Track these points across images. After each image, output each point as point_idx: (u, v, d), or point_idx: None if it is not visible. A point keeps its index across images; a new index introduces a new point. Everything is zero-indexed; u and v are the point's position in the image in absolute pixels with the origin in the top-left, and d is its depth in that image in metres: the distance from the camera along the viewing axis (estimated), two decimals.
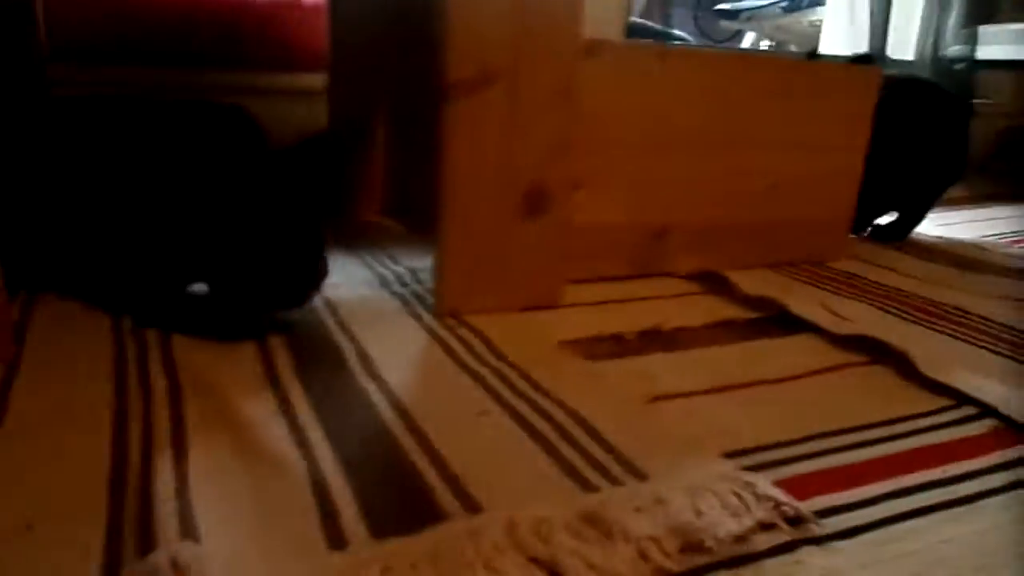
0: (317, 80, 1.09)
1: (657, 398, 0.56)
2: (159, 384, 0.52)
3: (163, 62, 1.02)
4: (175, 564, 0.31)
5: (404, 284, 0.77)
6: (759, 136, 0.87)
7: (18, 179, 0.66)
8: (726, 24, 2.74)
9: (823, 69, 0.89)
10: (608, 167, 0.79)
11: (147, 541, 0.35)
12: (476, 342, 0.63)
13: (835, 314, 0.75)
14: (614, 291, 0.80)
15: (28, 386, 0.51)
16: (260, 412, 0.49)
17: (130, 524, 0.36)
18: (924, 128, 1.07)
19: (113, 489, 0.40)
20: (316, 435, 0.46)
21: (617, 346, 0.66)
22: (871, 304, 0.81)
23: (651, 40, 1.45)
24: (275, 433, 0.46)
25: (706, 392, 0.57)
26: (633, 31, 1.52)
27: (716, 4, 2.80)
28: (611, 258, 0.83)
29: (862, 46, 1.93)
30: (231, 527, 0.36)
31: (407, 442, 0.46)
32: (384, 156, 1.09)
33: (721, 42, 2.87)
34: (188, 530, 0.35)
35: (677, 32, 1.56)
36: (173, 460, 0.42)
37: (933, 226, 1.26)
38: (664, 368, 0.62)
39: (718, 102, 0.83)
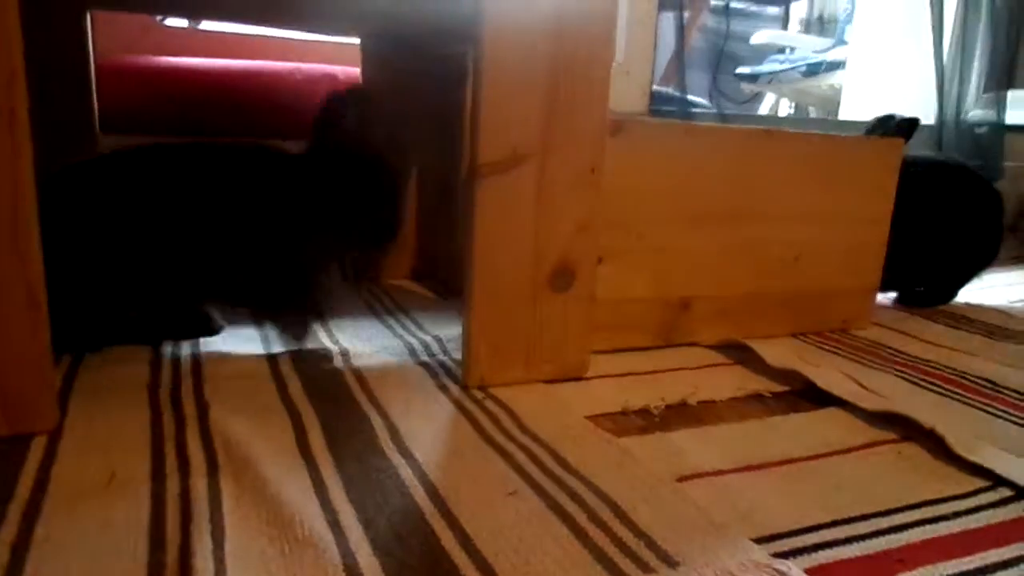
0: None
1: (686, 477, 0.56)
2: (196, 457, 0.53)
3: (206, 133, 1.07)
4: None
5: (431, 354, 0.78)
6: (783, 208, 0.88)
7: (80, 237, 0.70)
8: (746, 87, 2.79)
9: (845, 142, 0.91)
10: (633, 241, 0.81)
11: None
12: (503, 416, 0.64)
13: (862, 387, 0.75)
14: (640, 362, 0.80)
15: (70, 458, 0.52)
16: (294, 490, 0.49)
17: None
18: (955, 212, 1.08)
19: (151, 570, 0.40)
20: (348, 516, 0.47)
21: (644, 421, 0.66)
22: (898, 375, 0.81)
23: (672, 107, 1.48)
24: (309, 513, 0.47)
25: (735, 470, 0.57)
26: (657, 99, 1.56)
27: (735, 67, 2.86)
28: (636, 329, 0.84)
29: (883, 110, 1.95)
30: None
31: (437, 524, 0.47)
32: (415, 221, 1.12)
33: (741, 103, 2.92)
34: None
35: (696, 99, 1.60)
36: (211, 541, 0.43)
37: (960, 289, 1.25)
38: (692, 444, 0.62)
39: (742, 176, 0.85)
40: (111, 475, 0.51)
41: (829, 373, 0.78)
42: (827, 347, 0.90)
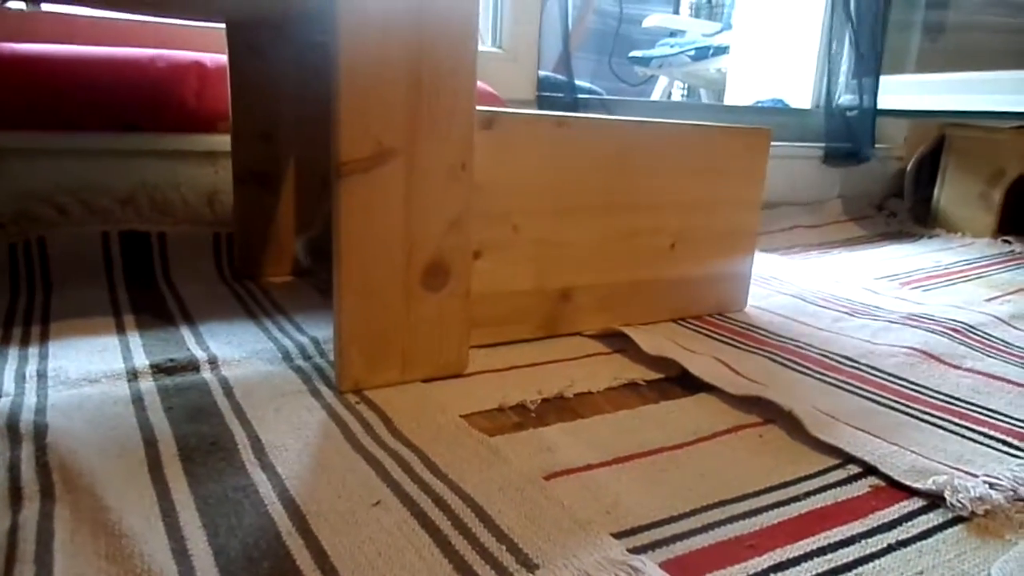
0: (223, 141, 1.07)
1: (555, 474, 0.56)
2: (31, 488, 0.49)
3: (72, 127, 0.99)
4: None
5: (307, 357, 0.76)
6: (658, 197, 0.90)
7: None
8: (640, 70, 2.84)
9: (716, 132, 0.93)
10: (510, 234, 0.81)
11: None
12: (376, 421, 0.62)
13: (732, 370, 0.78)
14: (521, 355, 0.81)
15: None
16: (139, 519, 0.47)
17: None
18: None
19: None
20: (198, 543, 0.45)
21: (520, 416, 0.66)
22: (769, 358, 0.84)
23: (561, 94, 1.48)
24: (153, 543, 0.44)
25: (603, 464, 0.58)
26: (544, 85, 1.56)
27: (630, 50, 2.91)
28: (518, 322, 0.84)
29: (765, 94, 2.03)
30: None
31: (294, 543, 0.45)
32: (296, 215, 1.08)
33: (635, 86, 2.98)
34: None
35: (585, 84, 1.61)
36: None
37: (830, 266, 1.32)
38: (565, 439, 0.62)
39: (616, 166, 0.86)
40: None
41: (701, 358, 0.80)
42: (704, 331, 0.93)
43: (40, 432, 0.57)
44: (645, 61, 2.79)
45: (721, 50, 2.54)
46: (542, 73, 1.55)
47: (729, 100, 2.18)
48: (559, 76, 1.61)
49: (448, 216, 0.69)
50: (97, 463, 0.53)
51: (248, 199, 1.04)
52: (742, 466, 0.59)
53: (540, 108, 1.48)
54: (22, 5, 1.08)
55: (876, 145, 1.87)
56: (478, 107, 0.70)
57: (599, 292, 0.89)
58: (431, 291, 0.70)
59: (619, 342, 0.87)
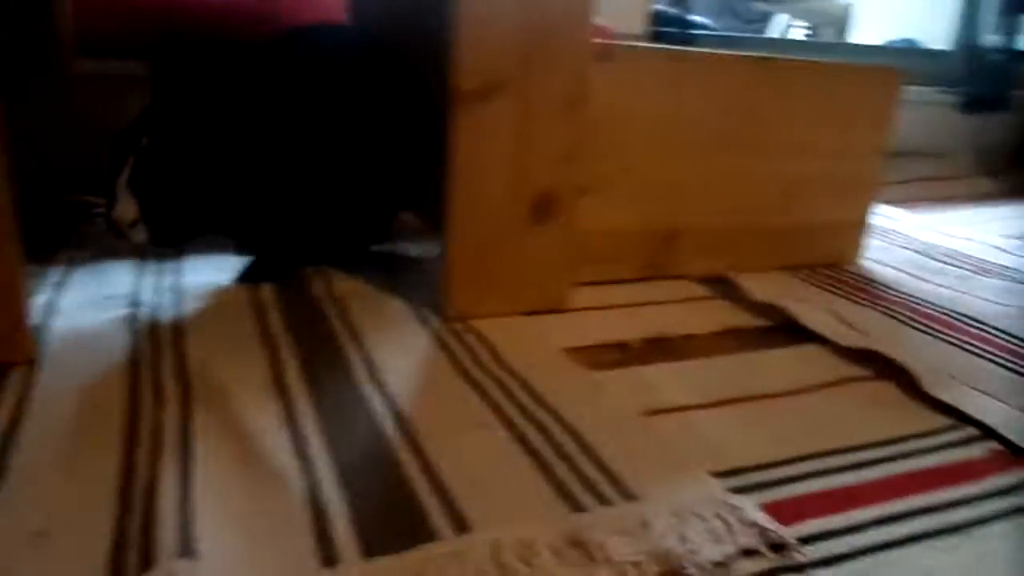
0: None
1: (655, 411, 0.56)
2: (170, 388, 0.54)
3: None
4: None
5: (415, 286, 0.78)
6: (776, 139, 0.86)
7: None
8: (756, 5, 2.68)
9: (844, 71, 0.88)
10: (619, 172, 0.79)
11: (148, 557, 0.37)
12: (480, 349, 0.64)
13: (844, 323, 0.75)
14: (623, 295, 0.80)
15: (48, 388, 0.53)
16: (266, 422, 0.50)
17: (134, 538, 0.38)
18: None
19: (121, 499, 0.42)
20: (317, 447, 0.48)
21: (621, 354, 0.67)
22: (884, 312, 0.80)
23: (673, 29, 1.43)
24: (278, 444, 0.48)
25: (704, 406, 0.58)
26: (657, 19, 1.50)
27: None
28: (621, 261, 0.84)
29: (897, 33, 1.88)
30: (228, 544, 0.38)
31: (404, 456, 0.48)
32: None
33: (750, 23, 2.82)
34: (187, 547, 0.37)
35: (699, 19, 1.54)
36: (178, 472, 0.44)
37: (951, 224, 1.24)
38: (666, 379, 0.62)
39: (733, 106, 0.83)
40: (84, 406, 0.51)
41: (812, 309, 0.77)
42: (816, 282, 0.90)
43: (179, 339, 0.62)
44: None
45: None
46: (654, 6, 1.49)
47: (855, 39, 2.04)
48: (672, 10, 1.55)
49: (559, 149, 0.69)
50: (228, 371, 0.57)
51: None
52: (848, 419, 0.58)
53: (652, 43, 1.43)
54: None
55: (1015, 91, 1.71)
56: (593, 40, 0.68)
57: (706, 235, 0.87)
58: (538, 224, 0.70)
59: (724, 288, 0.85)
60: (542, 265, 0.72)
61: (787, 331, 0.74)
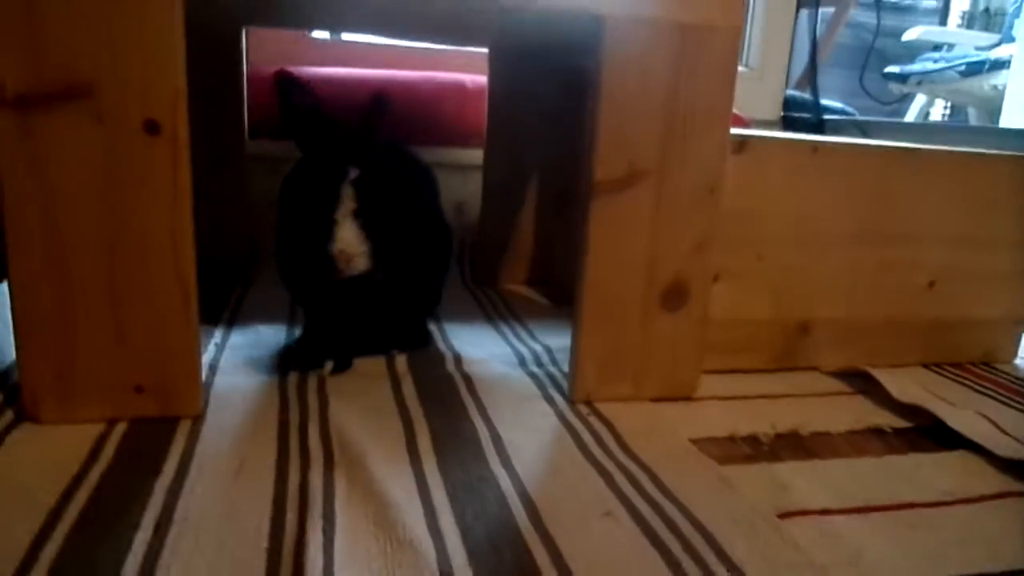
0: (474, 155, 1.16)
1: (789, 513, 0.54)
2: (316, 451, 0.58)
3: None
4: None
5: (540, 364, 0.80)
6: (920, 230, 0.83)
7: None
8: (895, 87, 2.60)
9: (995, 161, 0.84)
10: (752, 260, 0.79)
11: None
12: (606, 434, 0.64)
13: (999, 429, 0.69)
14: (753, 386, 0.78)
15: (209, 443, 0.58)
16: (401, 491, 0.52)
17: None
18: None
19: (271, 558, 0.45)
20: (448, 521, 0.49)
21: (751, 449, 0.65)
22: None
23: (807, 114, 1.41)
24: (412, 515, 0.50)
25: (844, 511, 0.55)
26: (790, 104, 1.50)
27: (885, 65, 2.68)
28: (751, 351, 0.82)
29: None
30: None
31: (531, 539, 0.48)
32: (533, 227, 1.14)
33: (888, 104, 2.73)
34: None
35: (832, 104, 1.52)
36: (323, 535, 0.47)
37: None
38: (800, 479, 0.60)
39: (876, 196, 0.81)
40: (241, 462, 0.56)
41: (961, 412, 0.72)
42: (964, 381, 0.84)
43: (323, 405, 0.66)
44: (902, 77, 2.55)
45: (999, 64, 2.25)
46: (788, 92, 1.49)
47: (1006, 121, 1.93)
48: (804, 95, 1.54)
49: (693, 239, 0.69)
50: (365, 437, 0.60)
51: (492, 211, 1.12)
52: (1010, 538, 0.53)
53: (784, 129, 1.42)
54: (326, 35, 1.26)
55: None
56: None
57: (842, 327, 0.84)
58: (669, 312, 0.71)
59: (861, 383, 0.81)
60: (671, 352, 0.72)
61: (933, 435, 0.70)
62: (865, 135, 1.37)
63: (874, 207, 0.81)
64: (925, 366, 0.88)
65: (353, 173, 0.65)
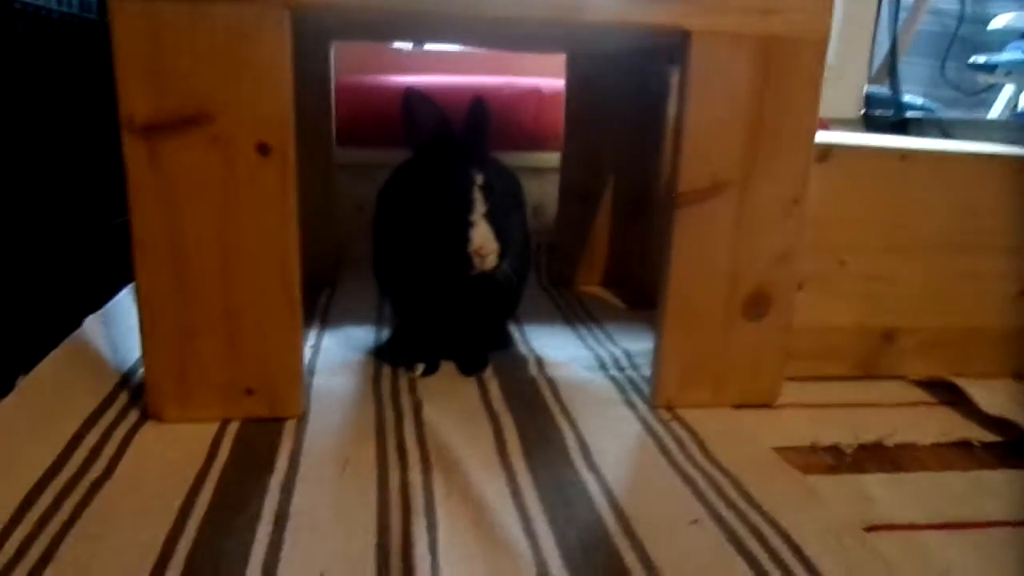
0: (550, 158, 1.18)
1: (876, 527, 0.55)
2: (413, 453, 0.61)
3: None
4: None
5: (620, 368, 0.82)
6: (1007, 239, 0.81)
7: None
8: (981, 78, 2.49)
9: None
10: (836, 268, 0.79)
11: None
12: (689, 440, 0.66)
13: None
14: (835, 393, 0.78)
15: (314, 442, 0.62)
16: (495, 493, 0.55)
17: None
18: None
19: (380, 553, 0.48)
20: (541, 524, 0.52)
21: (834, 459, 0.65)
22: None
23: (887, 111, 1.38)
24: (507, 518, 0.52)
25: (931, 527, 0.55)
26: (869, 101, 1.46)
27: (970, 55, 2.57)
28: (835, 358, 0.82)
29: None
30: None
31: (621, 543, 0.50)
32: (609, 230, 1.15)
33: (972, 95, 2.62)
34: None
35: (914, 100, 1.47)
36: (427, 533, 0.50)
37: None
38: (885, 491, 0.60)
39: (960, 204, 0.79)
40: (346, 460, 0.60)
41: None
42: None
43: (417, 407, 0.70)
44: (989, 67, 2.43)
45: None
46: (867, 89, 1.45)
47: None
48: (884, 91, 1.50)
49: (776, 249, 0.70)
50: (458, 441, 0.63)
51: (569, 214, 1.14)
52: None
53: (865, 127, 1.39)
54: (408, 46, 1.30)
55: None
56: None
57: (929, 335, 0.83)
58: (751, 320, 0.71)
59: (948, 394, 0.80)
60: (752, 360, 0.73)
61: (1022, 450, 0.69)
62: (947, 135, 1.33)
63: (961, 215, 0.80)
64: (1015, 377, 0.86)
65: (479, 178, 0.69)
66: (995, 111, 2.09)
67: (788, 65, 0.66)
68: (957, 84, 2.70)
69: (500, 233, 0.68)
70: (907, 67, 2.27)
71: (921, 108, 1.48)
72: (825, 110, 1.29)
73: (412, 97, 0.72)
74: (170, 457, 0.59)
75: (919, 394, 0.80)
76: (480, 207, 0.68)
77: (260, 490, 0.55)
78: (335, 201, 1.09)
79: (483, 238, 0.67)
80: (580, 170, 1.12)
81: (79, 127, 0.81)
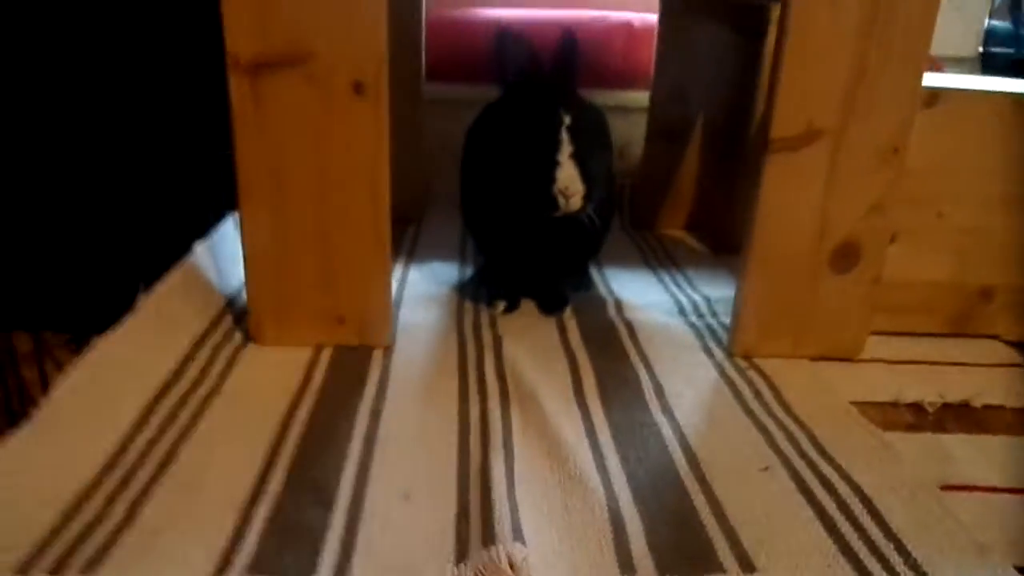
0: (639, 97, 1.16)
1: (952, 487, 0.54)
2: (492, 385, 0.64)
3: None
4: (510, 561, 0.41)
5: (700, 315, 0.82)
6: None
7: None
8: None
9: None
10: (932, 219, 0.75)
11: (485, 531, 0.45)
12: (765, 389, 0.66)
13: None
14: (924, 350, 0.76)
15: (400, 371, 0.66)
16: (569, 430, 0.58)
17: (475, 512, 0.48)
18: None
19: (460, 476, 0.52)
20: (613, 462, 0.54)
21: (915, 417, 0.64)
22: None
23: (1009, 50, 1.27)
24: (581, 454, 0.55)
25: (1011, 491, 0.54)
26: (990, 37, 1.35)
27: None
28: (924, 313, 0.79)
29: None
30: (546, 536, 0.46)
31: (692, 486, 0.52)
32: (696, 172, 1.13)
33: None
34: (516, 530, 0.45)
35: None
36: (504, 462, 0.53)
37: None
38: (966, 452, 0.59)
39: None
40: (428, 389, 0.63)
41: None
42: None
43: (497, 342, 0.72)
44: None
45: None
46: (988, 23, 1.34)
47: None
48: (1007, 25, 1.38)
49: (869, 200, 0.68)
50: (536, 377, 0.66)
51: (655, 154, 1.12)
52: None
53: (984, 66, 1.29)
54: None
55: None
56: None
57: None
58: (838, 272, 0.70)
59: None
60: (837, 314, 0.71)
61: None
62: None
63: None
64: None
65: (567, 119, 0.69)
66: None
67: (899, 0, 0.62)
68: None
69: (586, 175, 0.68)
70: None
71: None
72: (939, 47, 1.21)
73: (503, 36, 0.72)
74: (271, 377, 0.64)
75: (1013, 355, 0.77)
76: (567, 148, 0.68)
77: (351, 412, 0.59)
78: (424, 137, 1.11)
79: (569, 178, 0.68)
80: (669, 109, 1.09)
81: (195, 65, 0.85)
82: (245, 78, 0.62)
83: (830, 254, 0.69)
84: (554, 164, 0.68)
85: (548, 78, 0.73)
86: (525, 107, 0.71)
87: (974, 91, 0.73)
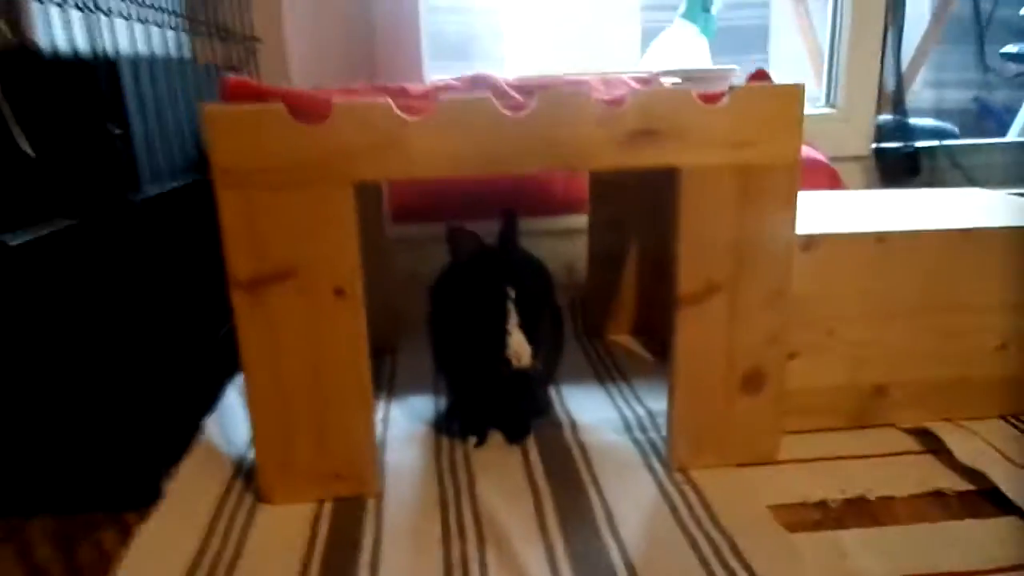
0: (581, 220, 1.31)
1: None
2: (470, 528, 0.77)
3: (467, 216, 1.32)
4: None
5: (644, 430, 0.96)
6: (983, 300, 0.91)
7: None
8: (1014, 67, 2.50)
9: None
10: (824, 338, 0.91)
11: None
12: (696, 503, 0.79)
13: None
14: (830, 446, 0.90)
15: (392, 517, 0.78)
16: (535, 564, 0.70)
17: None
18: None
19: None
20: None
21: (820, 515, 0.78)
22: None
23: (898, 145, 1.45)
24: None
25: None
26: (882, 132, 1.53)
27: (1003, 44, 2.57)
28: (829, 413, 0.94)
29: None
30: None
31: None
32: (636, 283, 1.28)
33: (1010, 77, 2.63)
34: None
35: (926, 124, 1.53)
36: None
37: None
38: (859, 547, 0.72)
39: (939, 273, 0.90)
40: (416, 536, 0.75)
41: (1020, 473, 0.81)
42: None
43: (471, 481, 0.85)
44: (1021, 57, 2.44)
45: None
46: (880, 119, 1.53)
47: None
48: (896, 119, 1.57)
49: (766, 333, 0.83)
50: (505, 518, 0.78)
51: (598, 272, 1.27)
52: None
53: (876, 162, 1.48)
54: None
55: None
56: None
57: (916, 388, 0.94)
58: (749, 394, 0.84)
59: (934, 440, 0.91)
60: (752, 427, 0.86)
61: (995, 498, 0.79)
62: (959, 166, 1.40)
63: (938, 282, 0.90)
64: (1003, 417, 0.96)
65: (512, 292, 0.84)
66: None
67: (764, 186, 0.78)
68: (995, 69, 2.68)
69: (532, 337, 0.83)
70: (940, 56, 2.30)
71: (935, 132, 1.55)
72: (837, 149, 1.39)
73: (453, 231, 0.87)
74: (283, 535, 0.76)
75: (908, 442, 0.92)
76: (514, 318, 0.82)
77: (353, 566, 0.71)
78: (393, 273, 1.25)
79: (518, 344, 0.82)
80: (606, 236, 1.25)
81: (197, 271, 0.98)
82: (245, 291, 0.75)
83: (740, 380, 0.84)
84: (504, 333, 0.82)
85: (495, 254, 0.88)
86: (477, 284, 0.86)
87: (840, 234, 0.89)
